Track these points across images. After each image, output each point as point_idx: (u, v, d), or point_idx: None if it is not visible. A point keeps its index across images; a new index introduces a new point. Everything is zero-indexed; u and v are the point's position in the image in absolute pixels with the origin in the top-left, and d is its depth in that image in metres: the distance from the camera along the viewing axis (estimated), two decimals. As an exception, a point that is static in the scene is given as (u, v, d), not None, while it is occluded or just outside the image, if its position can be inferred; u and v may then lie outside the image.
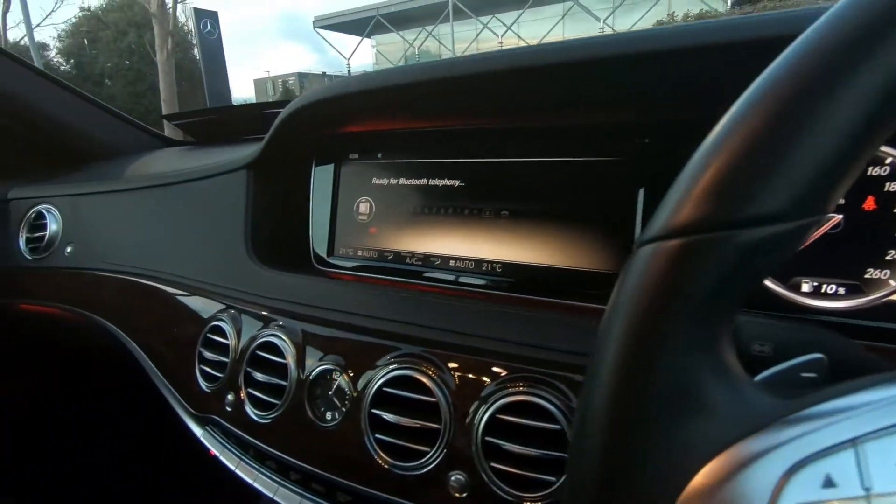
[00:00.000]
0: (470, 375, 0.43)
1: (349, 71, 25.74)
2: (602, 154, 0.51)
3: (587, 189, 0.52)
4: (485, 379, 0.42)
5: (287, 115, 0.63)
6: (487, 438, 0.40)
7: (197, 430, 0.60)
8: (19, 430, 1.14)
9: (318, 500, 0.48)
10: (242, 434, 0.54)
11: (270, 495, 0.51)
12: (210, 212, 0.74)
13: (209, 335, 0.60)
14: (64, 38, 14.97)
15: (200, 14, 11.71)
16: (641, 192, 0.49)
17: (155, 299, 0.74)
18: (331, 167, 0.70)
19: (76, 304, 0.89)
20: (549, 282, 0.53)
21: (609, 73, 0.43)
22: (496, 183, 0.57)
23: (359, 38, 25.72)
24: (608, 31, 20.51)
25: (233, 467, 0.55)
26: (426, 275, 0.61)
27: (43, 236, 0.95)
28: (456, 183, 0.60)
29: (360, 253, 0.67)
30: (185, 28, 13.33)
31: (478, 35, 23.61)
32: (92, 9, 15.40)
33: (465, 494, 0.40)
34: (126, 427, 1.24)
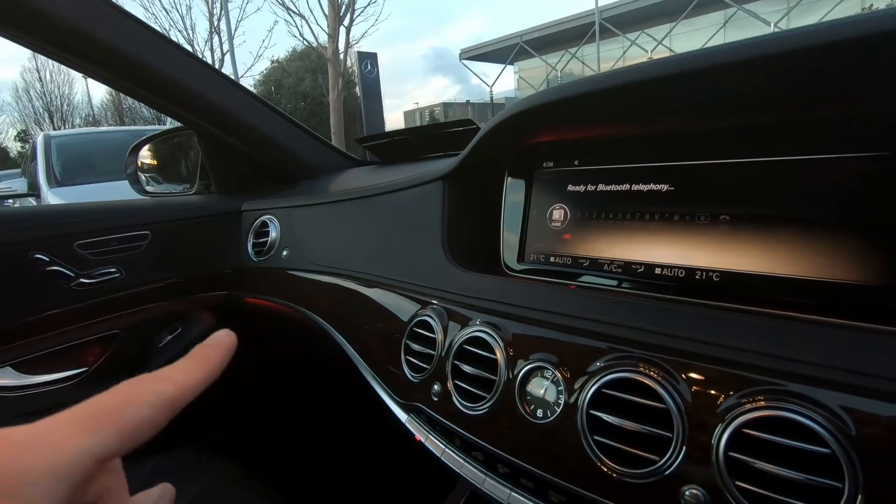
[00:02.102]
0: (705, 385, 0.40)
1: (492, 98, 26.58)
2: (854, 149, 0.45)
3: (836, 190, 0.46)
4: (724, 389, 0.39)
5: (489, 130, 0.67)
6: (732, 454, 0.36)
7: (402, 416, 0.65)
8: (243, 402, 1.37)
9: (527, 496, 0.49)
10: (449, 423, 0.57)
11: (478, 485, 0.52)
12: (409, 219, 0.81)
13: (415, 328, 0.65)
14: (258, 86, 17.97)
15: (363, 56, 13.18)
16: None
17: (359, 297, 0.83)
18: (524, 177, 0.72)
19: (290, 299, 1.04)
20: (782, 293, 0.48)
21: (877, 57, 0.38)
22: (714, 186, 0.53)
23: (501, 65, 26.50)
24: (780, 35, 18.14)
25: (438, 454, 0.58)
26: (625, 283, 0.59)
27: (265, 241, 1.14)
28: (663, 187, 0.57)
29: (552, 259, 0.67)
30: (350, 69, 15.05)
31: (624, 53, 22.75)
32: (279, 60, 18.28)
33: None
34: (335, 408, 1.41)
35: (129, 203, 1.21)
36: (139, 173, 1.53)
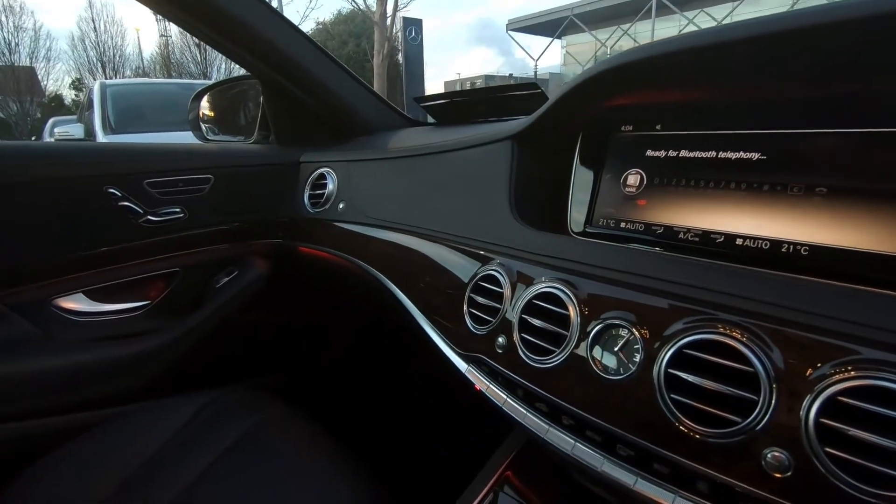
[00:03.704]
0: (796, 350, 0.39)
1: (536, 73, 25.89)
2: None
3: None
4: (816, 357, 0.38)
5: (568, 91, 0.65)
6: (824, 420, 0.36)
7: (462, 366, 0.67)
8: (292, 348, 1.43)
9: (593, 448, 0.50)
10: (512, 375, 0.58)
11: (541, 435, 0.54)
12: (474, 178, 0.81)
13: (481, 283, 0.66)
14: (302, 47, 18.00)
15: (408, 22, 12.97)
16: None
17: (417, 252, 0.84)
18: (598, 139, 0.71)
19: (346, 251, 1.06)
20: (874, 269, 0.46)
21: None
22: (811, 157, 0.51)
23: (549, 39, 25.68)
24: (852, 21, 16.97)
25: (499, 404, 0.59)
26: (703, 251, 0.58)
27: (322, 193, 1.16)
28: (755, 156, 0.55)
29: (622, 224, 0.66)
30: (395, 35, 14.88)
31: (681, 31, 21.61)
32: (324, 22, 18.19)
33: (787, 474, 0.37)
34: (388, 357, 1.46)
35: (195, 147, 1.25)
36: (200, 120, 1.57)
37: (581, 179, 0.72)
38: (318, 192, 1.18)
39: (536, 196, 0.76)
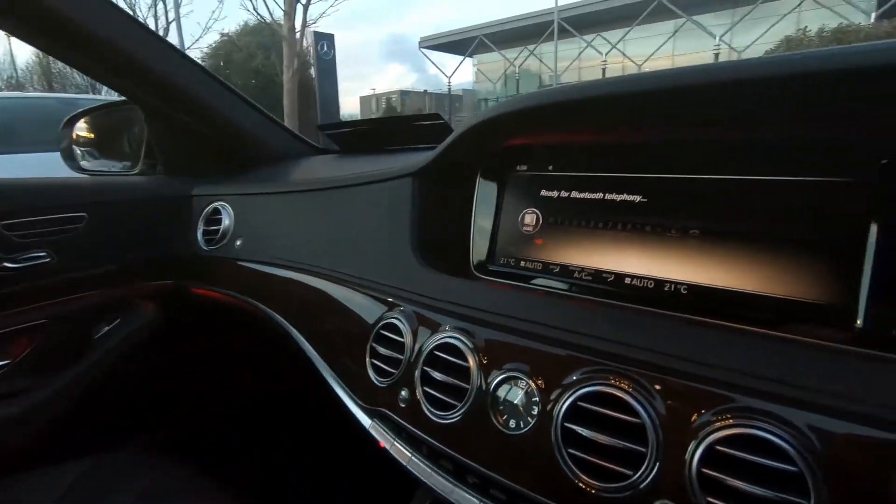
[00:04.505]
0: (679, 400, 0.41)
1: (450, 89, 26.53)
2: (823, 174, 0.47)
3: (803, 212, 0.48)
4: (697, 405, 0.40)
5: (465, 131, 0.65)
6: (705, 471, 0.37)
7: (365, 421, 0.63)
8: (185, 401, 1.29)
9: None
10: (416, 431, 0.56)
11: (446, 495, 0.52)
12: (377, 215, 0.78)
13: (382, 331, 0.63)
14: (205, 59, 17.04)
15: (320, 37, 12.76)
16: (874, 222, 0.44)
17: (320, 294, 0.80)
18: (496, 179, 0.71)
19: (243, 292, 0.98)
20: (746, 308, 0.50)
21: (860, 89, 0.40)
22: (686, 200, 0.55)
23: (460, 57, 26.47)
24: (724, 49, 19.28)
25: (404, 462, 0.57)
26: (595, 290, 0.60)
27: (218, 230, 1.07)
28: (636, 198, 0.58)
29: (522, 263, 0.67)
30: (306, 50, 14.55)
31: (580, 53, 23.29)
32: (229, 34, 17.40)
33: None
34: (290, 408, 1.35)
35: (63, 181, 1.10)
36: (74, 148, 1.40)
37: (481, 217, 0.72)
38: (212, 227, 1.09)
39: (439, 234, 0.75)
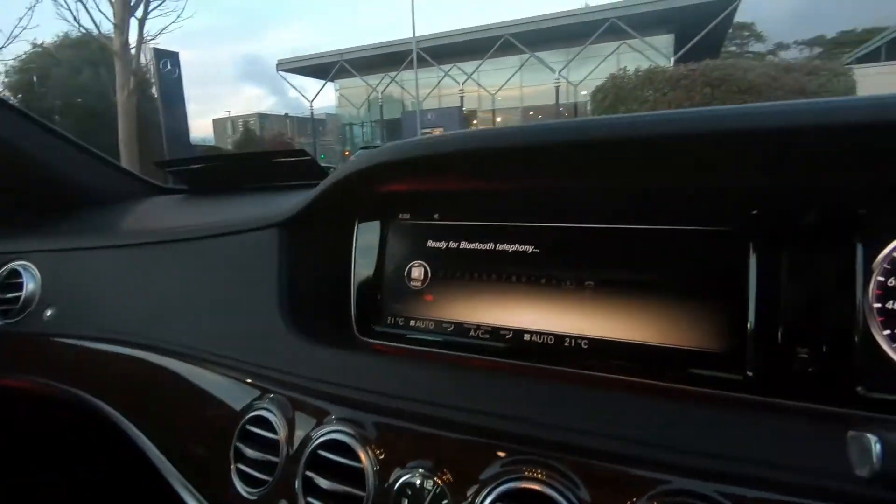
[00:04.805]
0: (608, 487, 0.37)
1: (312, 113, 25.91)
2: (704, 223, 0.48)
3: (688, 260, 0.48)
4: (626, 493, 0.36)
5: (337, 180, 0.57)
6: None
7: None
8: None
9: None
10: None
11: None
12: (235, 275, 0.66)
13: (249, 426, 0.51)
14: (12, 73, 14.41)
15: (161, 54, 11.60)
16: (753, 267, 0.45)
17: (166, 377, 0.64)
18: (376, 228, 0.64)
19: (57, 378, 0.77)
20: (648, 361, 0.49)
21: (740, 147, 0.41)
22: (579, 250, 0.53)
23: (322, 81, 26.07)
24: (563, 82, 21.74)
25: None
26: (493, 349, 0.55)
27: (18, 297, 0.83)
28: (529, 249, 0.55)
29: (412, 323, 0.60)
30: (145, 67, 13.10)
31: (439, 82, 24.46)
32: (44, 45, 14.97)
33: None
34: None
35: None
36: None
37: (362, 271, 0.64)
38: (9, 295, 0.84)
39: (313, 292, 0.65)
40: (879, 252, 0.42)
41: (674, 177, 0.49)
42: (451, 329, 0.58)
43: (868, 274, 0.42)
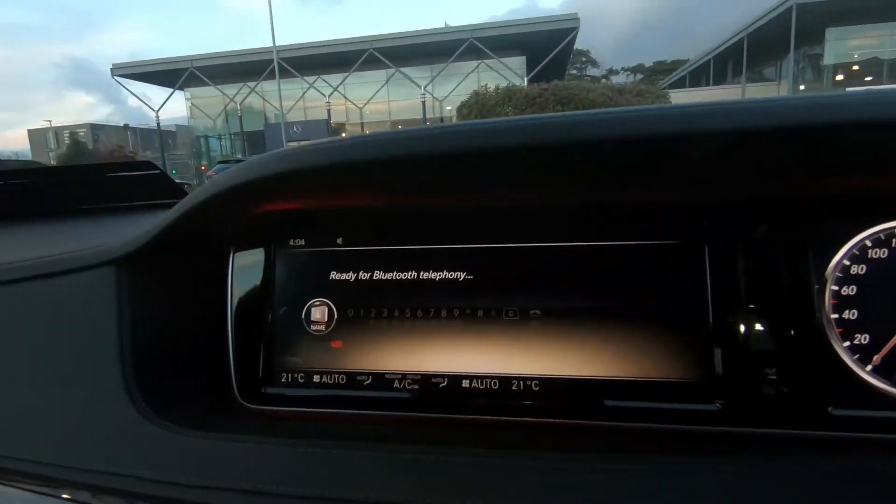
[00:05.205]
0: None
1: (159, 124, 23.26)
2: (654, 237, 0.43)
3: (640, 279, 0.43)
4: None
5: (208, 196, 0.42)
6: None
7: None
8: None
9: None
10: None
11: None
12: (52, 335, 0.46)
13: None
14: None
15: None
16: (709, 283, 0.41)
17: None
18: (260, 258, 0.50)
19: None
20: (604, 397, 0.42)
21: (692, 151, 0.35)
22: (520, 274, 0.45)
23: (169, 89, 23.55)
24: (428, 97, 22.37)
25: None
26: (426, 403, 0.45)
27: None
28: (461, 276, 0.46)
29: (316, 378, 0.47)
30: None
31: (304, 94, 23.64)
32: None
33: None
34: None
35: None
36: None
37: (243, 317, 0.49)
38: None
39: (173, 354, 0.48)
40: (830, 261, 0.40)
41: (615, 187, 0.44)
42: (368, 382, 0.46)
43: (822, 284, 0.39)
